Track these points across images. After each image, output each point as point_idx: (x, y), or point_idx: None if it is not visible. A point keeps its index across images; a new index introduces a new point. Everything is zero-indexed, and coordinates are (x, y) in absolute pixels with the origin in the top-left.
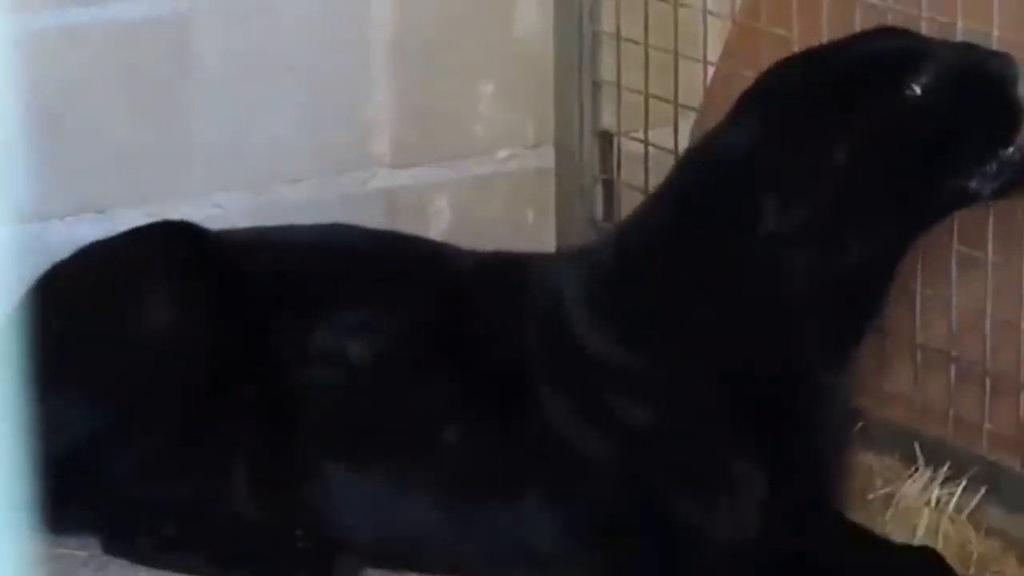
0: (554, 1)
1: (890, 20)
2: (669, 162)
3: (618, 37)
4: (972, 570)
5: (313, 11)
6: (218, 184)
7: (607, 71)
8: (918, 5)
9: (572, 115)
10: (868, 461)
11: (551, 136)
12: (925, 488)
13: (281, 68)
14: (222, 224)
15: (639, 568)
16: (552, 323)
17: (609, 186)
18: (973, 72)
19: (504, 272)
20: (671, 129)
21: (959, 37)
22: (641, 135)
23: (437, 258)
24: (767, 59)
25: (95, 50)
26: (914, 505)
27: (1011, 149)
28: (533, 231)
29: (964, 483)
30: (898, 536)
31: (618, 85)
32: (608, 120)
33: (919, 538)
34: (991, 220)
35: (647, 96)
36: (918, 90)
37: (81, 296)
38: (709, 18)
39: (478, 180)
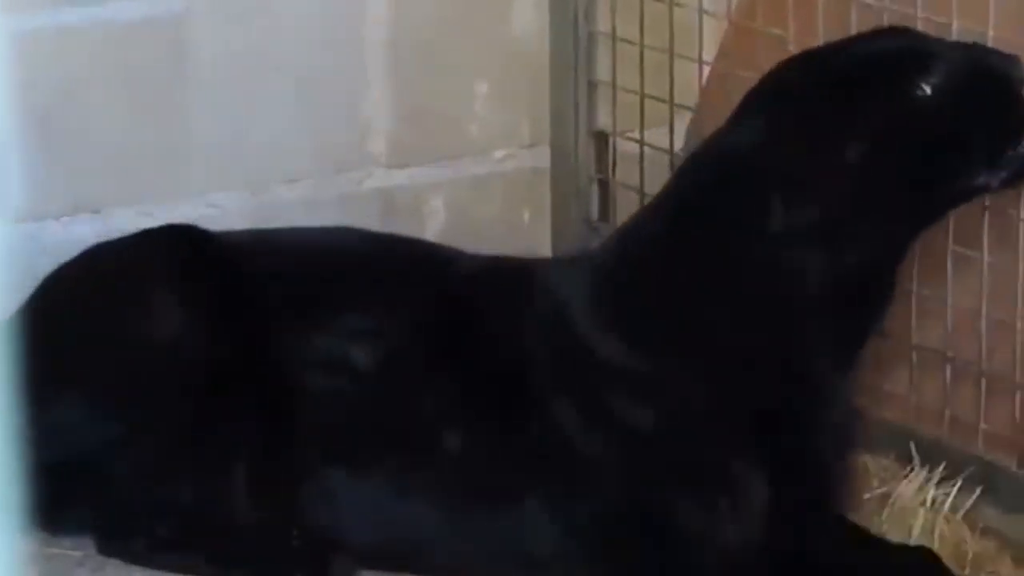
0: (549, 1)
1: (886, 20)
2: (665, 162)
3: (614, 37)
4: (967, 570)
5: (309, 11)
6: (214, 184)
7: (603, 71)
8: (914, 5)
9: (568, 115)
10: (864, 461)
11: (547, 136)
12: (921, 488)
13: (277, 68)
14: (218, 224)
15: (640, 571)
16: (555, 326)
17: (605, 186)
18: (981, 72)
19: (506, 276)
20: (667, 129)
21: (955, 37)
22: (637, 135)
23: (440, 261)
24: (763, 59)
25: (91, 50)
26: (910, 505)
27: (1021, 148)
28: (529, 231)
29: (960, 483)
30: (894, 536)
31: (614, 85)
32: (604, 120)
33: (915, 538)
34: (986, 220)
35: (643, 96)
36: (928, 90)
37: (85, 301)
38: (705, 18)
39: (474, 180)
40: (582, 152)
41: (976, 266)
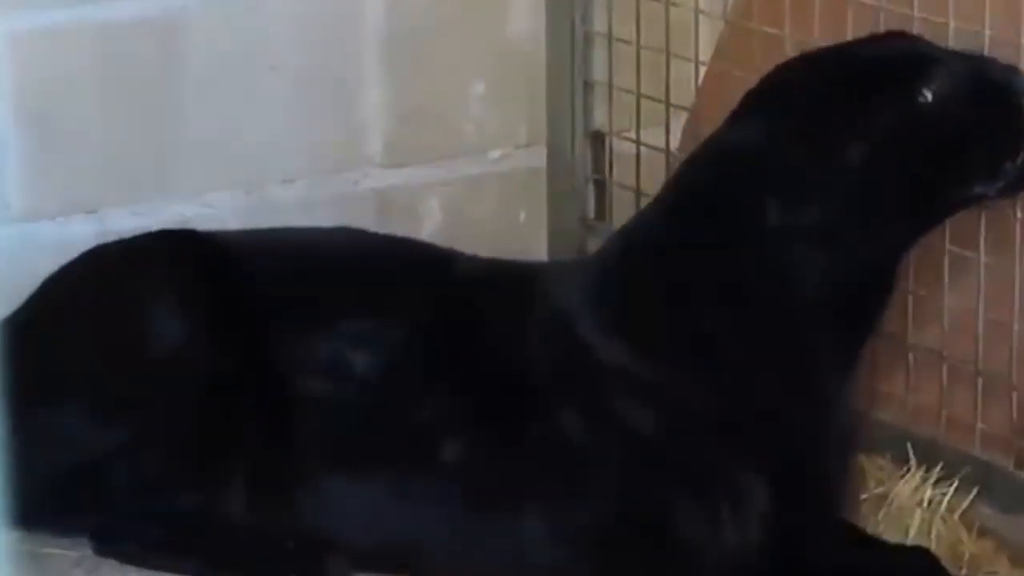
0: (546, 1)
1: (883, 20)
2: (661, 162)
3: (610, 37)
4: (964, 570)
5: (305, 11)
6: (209, 184)
7: (599, 71)
8: (911, 5)
9: (564, 115)
10: (861, 461)
11: (543, 136)
12: (917, 488)
13: (273, 68)
14: (214, 224)
15: None
16: (556, 330)
17: (601, 186)
18: (983, 82)
19: (506, 279)
20: (663, 129)
21: (952, 37)
22: (633, 135)
23: (440, 264)
24: (759, 58)
25: (87, 50)
26: (906, 505)
27: (1019, 160)
28: (525, 231)
29: (956, 483)
30: (890, 536)
31: (610, 85)
32: (600, 120)
33: (911, 538)
34: (983, 221)
35: (639, 96)
36: (929, 96)
37: (86, 306)
38: (701, 17)
39: (470, 180)
40: (578, 152)
41: (973, 267)
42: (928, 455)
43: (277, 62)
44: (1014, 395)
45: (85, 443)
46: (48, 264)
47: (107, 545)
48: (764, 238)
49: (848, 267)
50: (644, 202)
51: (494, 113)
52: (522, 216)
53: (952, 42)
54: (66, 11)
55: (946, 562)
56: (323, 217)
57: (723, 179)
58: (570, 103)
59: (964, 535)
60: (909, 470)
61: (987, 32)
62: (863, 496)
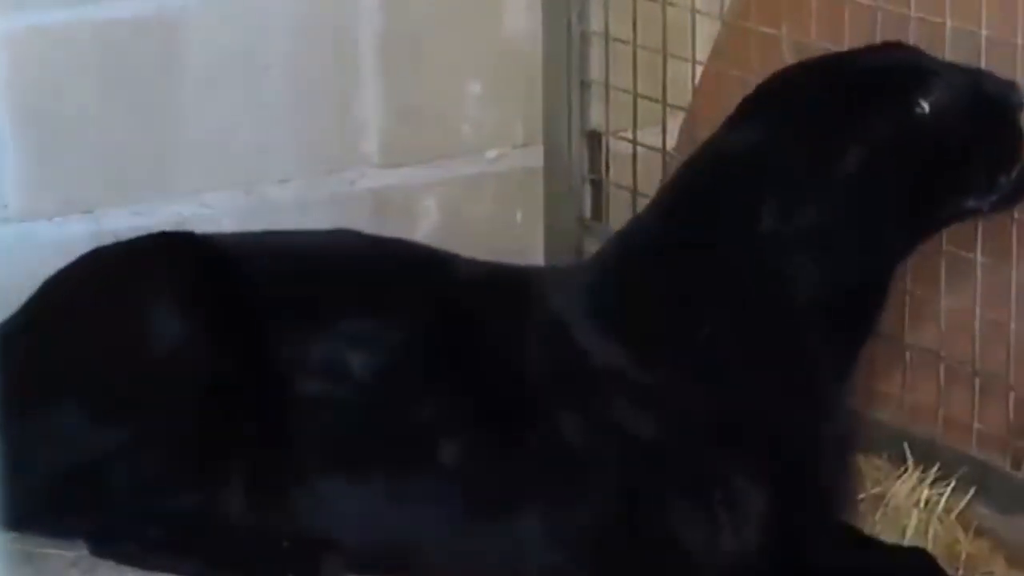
0: (542, 1)
1: (880, 20)
2: (658, 162)
3: (607, 37)
4: (961, 571)
5: (301, 11)
6: (206, 184)
7: (596, 71)
8: (908, 5)
9: (561, 115)
10: (858, 461)
11: (539, 136)
12: (914, 488)
13: (269, 68)
14: (210, 224)
15: None
16: (554, 334)
17: (598, 186)
18: (980, 95)
19: (505, 283)
20: (660, 129)
21: (948, 37)
22: (630, 135)
23: (440, 267)
24: (756, 58)
25: (83, 49)
26: (903, 505)
27: (1013, 174)
28: (522, 231)
29: (953, 483)
30: (887, 536)
31: (606, 85)
32: (597, 120)
33: (908, 538)
34: (980, 222)
35: (636, 96)
36: (926, 107)
37: (87, 308)
38: (698, 17)
39: (466, 180)
40: (575, 152)
41: (970, 267)
42: (925, 455)
43: (274, 62)
44: (1011, 395)
45: (85, 444)
46: (46, 264)
47: (104, 546)
48: (760, 244)
49: (842, 274)
50: (641, 202)
51: (491, 113)
52: (519, 216)
53: (949, 42)
54: (64, 11)
55: (943, 562)
56: (320, 217)
57: (720, 185)
58: (567, 103)
59: (961, 535)
60: (906, 470)
61: (983, 32)
62: (860, 496)
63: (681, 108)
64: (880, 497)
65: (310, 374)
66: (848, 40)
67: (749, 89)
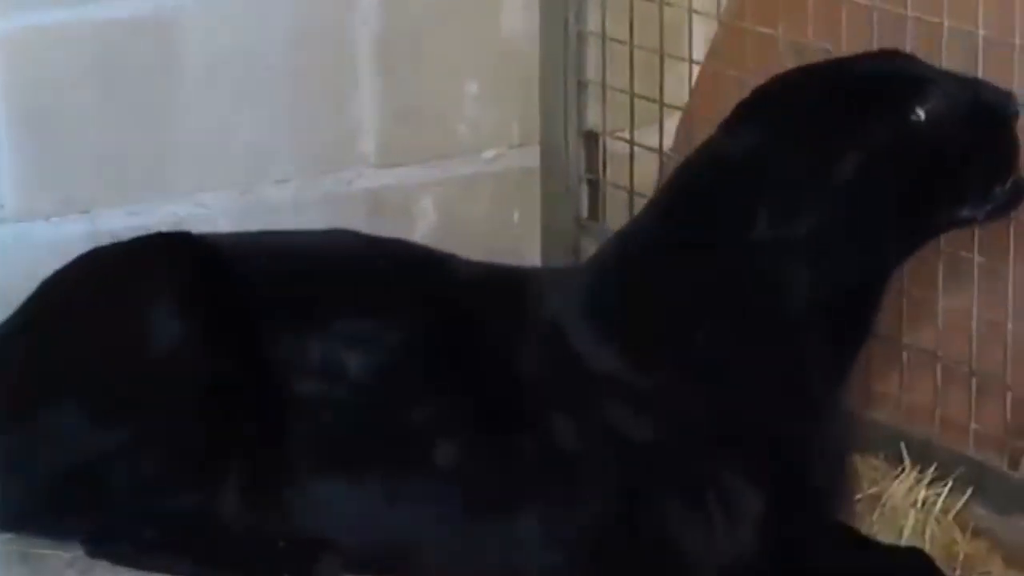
0: (539, 1)
1: (876, 20)
2: (655, 162)
3: (603, 37)
4: (958, 571)
5: (298, 11)
6: (203, 184)
7: (593, 71)
8: (904, 5)
9: (557, 115)
10: (855, 462)
11: (536, 136)
12: (911, 489)
13: (266, 68)
14: (207, 224)
15: None
16: (550, 337)
17: (595, 186)
18: (976, 105)
19: (502, 285)
20: (657, 129)
21: (945, 37)
22: (627, 135)
23: (438, 267)
24: (753, 58)
25: (80, 49)
26: (900, 506)
27: (1008, 184)
28: (519, 231)
29: (950, 483)
30: (884, 537)
31: (603, 85)
32: (594, 120)
33: (905, 539)
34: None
35: (632, 96)
36: (922, 115)
37: (85, 310)
38: (695, 17)
39: (463, 180)
40: (572, 152)
41: (967, 267)
42: (922, 455)
43: (271, 62)
44: (1008, 395)
45: (83, 444)
46: (42, 264)
47: (100, 547)
48: (756, 249)
49: (837, 279)
50: (638, 202)
51: (488, 113)
52: (516, 216)
53: (946, 42)
54: (60, 11)
55: (940, 563)
56: (316, 217)
57: (716, 190)
58: (564, 103)
59: (958, 535)
60: (903, 470)
61: (981, 32)
62: (857, 497)
63: (678, 108)
64: (877, 497)
65: (307, 374)
66: (845, 40)
67: (746, 89)
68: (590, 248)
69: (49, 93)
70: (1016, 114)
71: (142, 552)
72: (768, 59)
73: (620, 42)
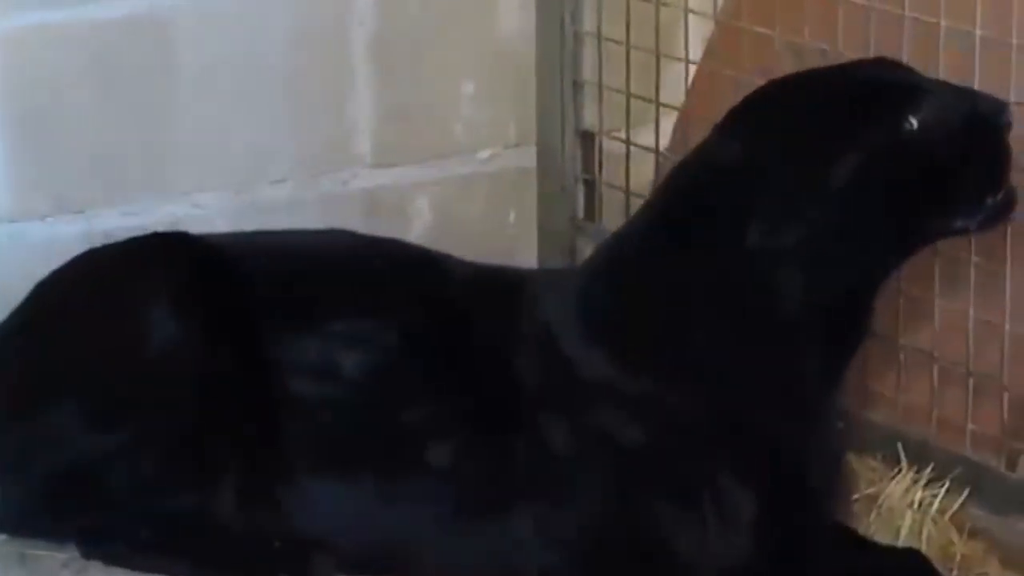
0: (536, 1)
1: (873, 20)
2: (651, 162)
3: (599, 37)
4: (955, 572)
5: (294, 11)
6: (199, 184)
7: (589, 71)
8: (902, 5)
9: (554, 115)
10: (851, 462)
11: (533, 136)
12: (908, 489)
13: (262, 68)
14: (203, 225)
15: None
16: (543, 340)
17: (591, 186)
18: (970, 115)
19: (497, 287)
20: (653, 129)
21: (942, 36)
22: (623, 135)
23: (434, 268)
24: (749, 58)
25: (75, 49)
26: (897, 506)
27: (1000, 195)
28: (515, 231)
29: (947, 484)
30: (881, 537)
31: (600, 85)
32: (590, 120)
33: (902, 539)
34: None
35: (629, 96)
36: (915, 124)
37: (82, 310)
38: (691, 17)
39: (459, 180)
40: (568, 152)
41: (964, 268)
42: (919, 456)
43: (267, 62)
44: (1005, 396)
45: (81, 445)
46: (37, 264)
47: (95, 547)
48: (748, 255)
49: (830, 286)
50: (634, 202)
51: (484, 113)
52: (512, 216)
53: (943, 42)
54: (56, 11)
55: (937, 563)
56: (312, 217)
57: (709, 197)
58: (560, 103)
59: (955, 536)
60: (900, 471)
61: (978, 32)
62: (854, 497)
63: (674, 108)
64: (874, 498)
65: (303, 374)
66: (842, 40)
67: (742, 89)
68: (586, 248)
69: (45, 93)
70: (1009, 124)
71: (137, 552)
72: (765, 59)
73: (616, 42)
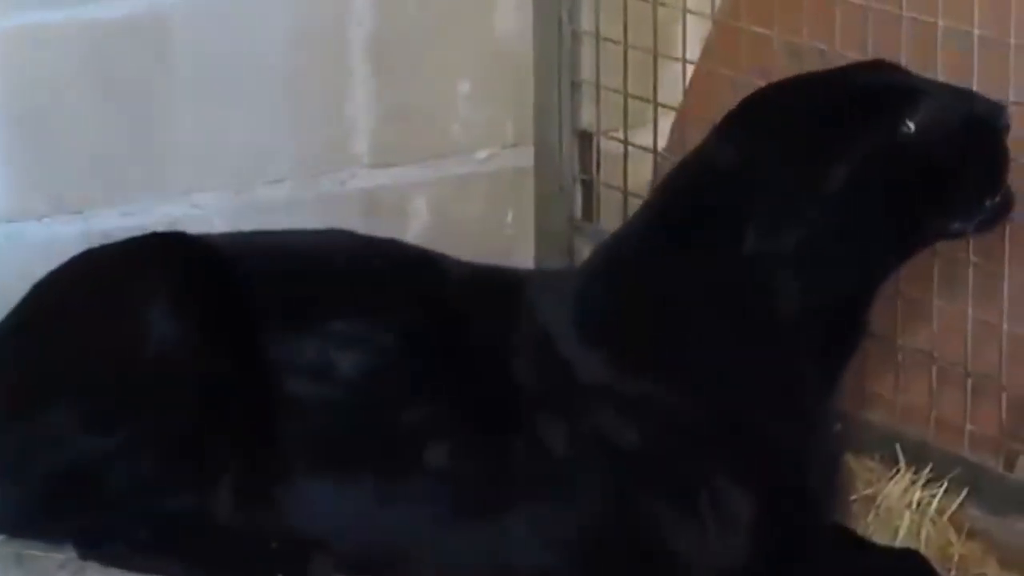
0: (533, 1)
1: (871, 19)
2: (649, 162)
3: (597, 36)
4: (954, 572)
5: (293, 11)
6: (197, 184)
7: (586, 71)
8: (899, 4)
9: (551, 115)
10: (850, 463)
11: (530, 136)
12: (907, 490)
13: (260, 68)
14: (201, 225)
15: None
16: (541, 342)
17: (588, 186)
18: (967, 117)
19: (497, 285)
20: (650, 129)
21: (940, 36)
22: (620, 135)
23: (432, 269)
24: (747, 58)
25: (74, 50)
26: (896, 507)
27: (998, 198)
28: (512, 231)
29: (946, 485)
30: (880, 538)
31: (597, 85)
32: (587, 120)
33: (901, 540)
34: None
35: (626, 95)
36: (912, 127)
37: (80, 311)
38: (689, 17)
39: (457, 180)
40: (566, 152)
41: (962, 268)
42: (917, 456)
43: (265, 62)
44: (1003, 396)
45: (80, 446)
46: (35, 265)
47: (92, 548)
48: (745, 258)
49: (827, 289)
50: (632, 202)
51: (481, 113)
52: (509, 216)
53: (941, 41)
54: (54, 11)
55: (935, 564)
56: (310, 217)
57: (706, 200)
58: (557, 103)
59: (953, 537)
60: (898, 471)
61: (976, 31)
62: (852, 498)
63: (672, 108)
64: (872, 499)
65: (301, 374)
66: (840, 40)
67: (740, 89)
68: (584, 248)
69: (43, 93)
70: (1007, 126)
71: (135, 552)
72: (762, 59)
73: (614, 42)
